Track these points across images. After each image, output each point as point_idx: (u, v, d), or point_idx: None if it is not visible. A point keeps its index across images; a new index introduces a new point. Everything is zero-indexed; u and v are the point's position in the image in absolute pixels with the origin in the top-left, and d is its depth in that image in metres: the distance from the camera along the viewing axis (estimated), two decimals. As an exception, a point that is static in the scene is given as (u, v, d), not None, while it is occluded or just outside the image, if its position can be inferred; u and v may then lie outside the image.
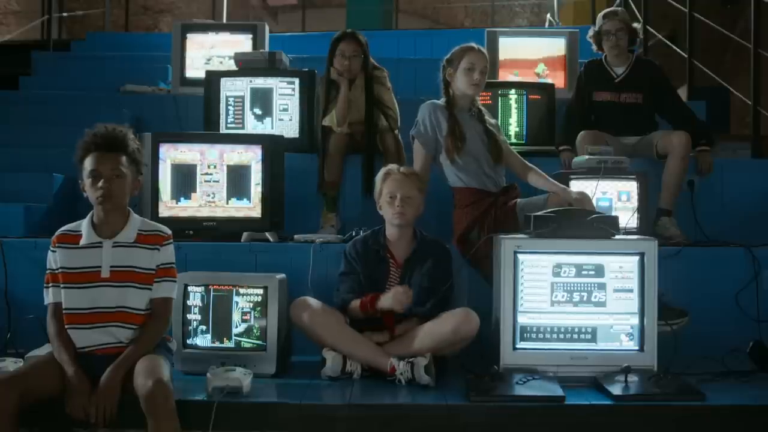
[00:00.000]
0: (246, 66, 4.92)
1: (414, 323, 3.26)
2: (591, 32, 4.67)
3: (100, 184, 2.82)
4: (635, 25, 4.66)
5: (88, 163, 2.85)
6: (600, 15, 4.69)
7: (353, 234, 3.75)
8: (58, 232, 2.94)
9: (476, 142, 3.75)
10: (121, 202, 2.89)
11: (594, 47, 4.68)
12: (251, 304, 3.23)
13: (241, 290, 3.24)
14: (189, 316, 3.24)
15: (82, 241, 2.89)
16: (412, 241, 3.41)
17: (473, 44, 3.84)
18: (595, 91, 4.58)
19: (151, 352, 2.83)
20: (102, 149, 2.84)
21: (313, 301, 3.25)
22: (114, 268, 2.85)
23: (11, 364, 2.99)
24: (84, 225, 2.92)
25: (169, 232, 2.99)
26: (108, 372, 2.72)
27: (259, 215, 3.89)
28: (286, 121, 4.71)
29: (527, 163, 3.87)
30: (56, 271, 2.88)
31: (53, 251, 2.90)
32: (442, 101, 3.83)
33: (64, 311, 2.85)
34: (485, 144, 3.77)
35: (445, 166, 3.79)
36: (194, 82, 5.35)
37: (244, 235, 3.87)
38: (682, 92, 5.67)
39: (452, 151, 3.70)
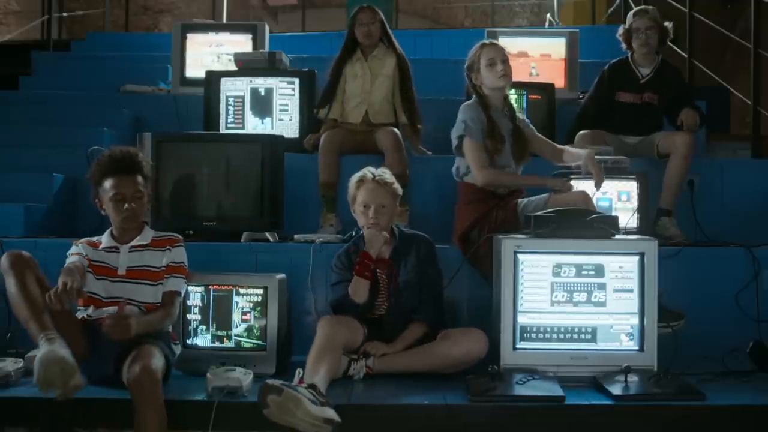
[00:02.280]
0: (246, 66, 4.93)
1: (418, 328, 3.27)
2: (621, 30, 4.57)
3: (125, 206, 3.05)
4: (666, 24, 4.56)
5: (109, 186, 3.06)
6: (630, 13, 4.61)
7: (353, 234, 3.74)
8: (82, 241, 3.16)
9: (507, 143, 3.71)
10: (141, 219, 3.16)
11: (623, 45, 4.57)
12: (251, 304, 3.22)
13: (241, 290, 3.23)
14: (189, 316, 3.24)
15: (101, 247, 3.12)
16: (391, 240, 3.39)
17: (484, 41, 3.80)
18: (618, 91, 4.51)
19: (151, 344, 2.88)
20: (121, 172, 3.07)
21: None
22: (130, 268, 3.07)
23: (11, 364, 3.00)
24: (103, 236, 3.17)
25: (181, 237, 3.22)
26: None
27: (259, 215, 3.88)
28: (286, 121, 4.72)
29: (557, 145, 3.82)
30: (83, 254, 3.07)
31: (77, 246, 3.11)
32: (476, 102, 3.75)
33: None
34: (511, 145, 3.72)
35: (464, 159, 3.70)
36: (194, 82, 5.34)
37: (244, 235, 3.86)
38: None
39: (493, 153, 3.64)
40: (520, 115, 3.88)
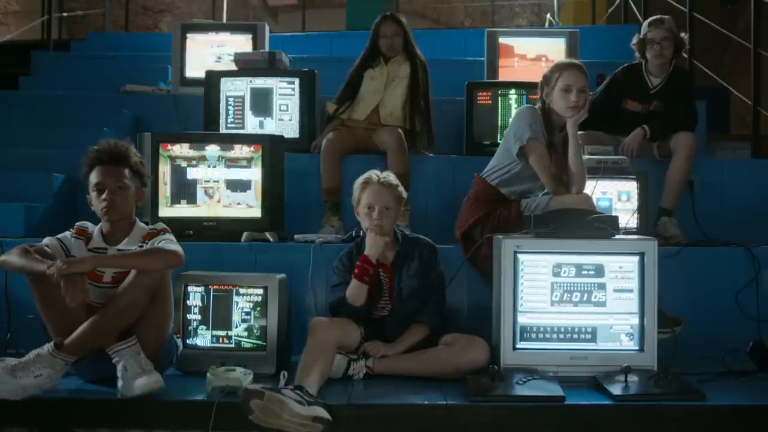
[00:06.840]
0: (246, 66, 4.93)
1: (420, 331, 3.27)
2: (635, 39, 4.46)
3: (104, 196, 2.97)
4: (682, 34, 4.46)
5: (92, 177, 3.00)
6: (645, 23, 4.51)
7: (353, 234, 3.74)
8: (78, 225, 3.10)
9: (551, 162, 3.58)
10: (124, 213, 3.04)
11: (637, 55, 4.48)
12: (251, 304, 3.22)
13: (241, 290, 3.23)
14: (189, 316, 3.24)
15: (90, 245, 3.04)
16: (394, 243, 3.38)
17: (572, 60, 3.63)
18: (627, 99, 4.46)
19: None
20: (105, 163, 2.99)
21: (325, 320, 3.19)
22: (117, 272, 2.98)
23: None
24: (95, 231, 3.08)
25: (164, 226, 3.12)
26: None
27: (259, 215, 3.89)
28: (286, 121, 4.73)
29: (574, 180, 3.57)
30: (68, 252, 3.00)
31: (77, 238, 3.04)
32: (539, 109, 3.59)
33: None
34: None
35: (505, 161, 3.61)
36: (194, 82, 5.35)
37: (244, 235, 3.87)
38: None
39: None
40: (574, 147, 3.56)
